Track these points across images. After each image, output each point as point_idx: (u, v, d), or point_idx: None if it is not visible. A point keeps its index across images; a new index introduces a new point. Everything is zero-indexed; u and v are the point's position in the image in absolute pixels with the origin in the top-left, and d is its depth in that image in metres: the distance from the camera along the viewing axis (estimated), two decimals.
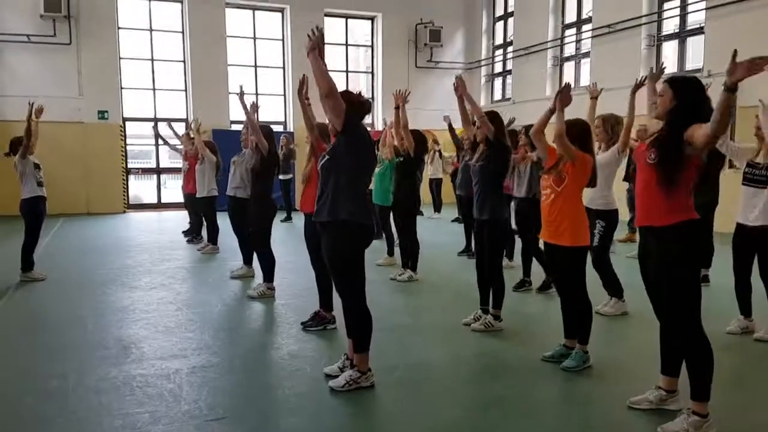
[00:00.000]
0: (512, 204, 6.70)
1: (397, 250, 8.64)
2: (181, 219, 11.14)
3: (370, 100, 4.05)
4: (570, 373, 4.26)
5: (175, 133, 11.00)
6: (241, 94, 6.88)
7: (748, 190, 4.94)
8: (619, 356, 4.68)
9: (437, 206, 13.82)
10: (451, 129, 9.01)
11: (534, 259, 6.74)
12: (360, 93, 4.10)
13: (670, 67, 12.29)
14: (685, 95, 3.23)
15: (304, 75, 4.94)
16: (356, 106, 3.93)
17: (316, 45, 3.80)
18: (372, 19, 17.40)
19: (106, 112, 14.72)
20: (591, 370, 4.32)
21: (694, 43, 11.85)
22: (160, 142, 12.47)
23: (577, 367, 4.29)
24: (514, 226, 6.59)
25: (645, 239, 3.47)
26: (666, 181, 3.22)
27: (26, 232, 7.21)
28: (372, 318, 4.01)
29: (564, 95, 4.10)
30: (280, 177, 12.52)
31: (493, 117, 5.22)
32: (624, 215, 9.36)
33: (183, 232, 10.91)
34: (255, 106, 6.68)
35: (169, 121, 11.55)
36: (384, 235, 8.44)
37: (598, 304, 5.39)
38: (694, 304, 3.28)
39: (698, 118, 3.13)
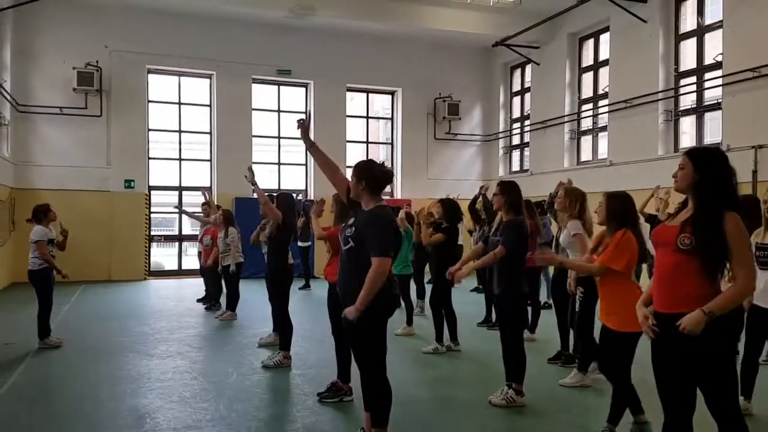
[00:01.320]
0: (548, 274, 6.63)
1: (418, 319, 8.52)
2: (201, 286, 11.13)
3: (392, 170, 4.05)
4: None
5: (188, 215, 11.34)
6: (251, 175, 6.85)
7: (764, 273, 4.73)
8: None
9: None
10: (484, 198, 8.62)
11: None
12: (383, 163, 4.11)
13: (689, 141, 12.33)
14: (710, 168, 3.06)
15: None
16: (378, 176, 3.92)
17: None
18: (392, 93, 17.81)
19: (133, 181, 15.01)
20: None
21: (712, 118, 11.90)
22: (188, 214, 12.77)
23: None
24: (546, 298, 6.49)
25: (667, 327, 3.08)
26: (706, 273, 2.99)
27: (39, 301, 7.18)
28: (391, 392, 3.88)
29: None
30: (299, 244, 12.58)
31: (510, 187, 5.22)
32: None
33: (198, 299, 10.91)
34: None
35: (181, 208, 11.95)
36: (404, 304, 8.32)
37: None
38: (733, 388, 3.06)
39: (724, 191, 3.00)
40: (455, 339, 7.23)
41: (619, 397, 4.20)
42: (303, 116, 6.89)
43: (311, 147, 4.47)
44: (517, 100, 17.79)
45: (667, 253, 3.09)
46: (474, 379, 6.00)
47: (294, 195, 7.16)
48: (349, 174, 4.12)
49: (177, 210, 13.60)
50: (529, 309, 7.03)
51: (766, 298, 4.76)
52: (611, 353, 4.15)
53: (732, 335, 3.06)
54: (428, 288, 7.84)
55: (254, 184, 6.69)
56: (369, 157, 17.92)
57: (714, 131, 11.72)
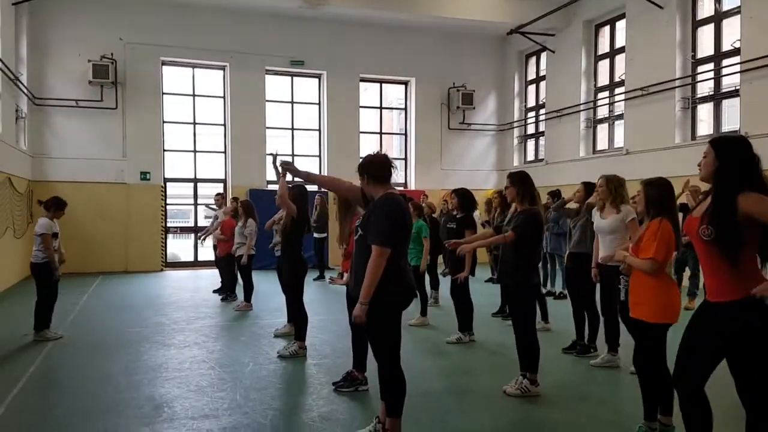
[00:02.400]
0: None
1: (432, 310, 8.54)
2: (217, 277, 11.23)
3: (386, 155, 4.08)
4: None
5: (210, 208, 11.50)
6: (275, 159, 6.95)
7: None
8: None
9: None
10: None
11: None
12: (377, 152, 4.08)
13: (706, 129, 12.20)
14: (729, 155, 3.07)
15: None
16: (376, 165, 3.94)
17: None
18: (405, 83, 17.76)
19: (149, 173, 15.12)
20: None
21: (730, 105, 11.75)
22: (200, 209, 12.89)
23: None
24: (552, 287, 6.46)
25: (708, 315, 3.17)
26: (728, 261, 3.00)
27: (38, 293, 7.21)
28: (405, 382, 3.91)
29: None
30: (315, 235, 12.63)
31: (521, 178, 5.21)
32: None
33: (214, 290, 11.02)
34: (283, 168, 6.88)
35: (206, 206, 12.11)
36: (418, 295, 8.33)
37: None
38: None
39: (747, 179, 2.99)
40: (470, 330, 7.22)
41: (652, 390, 4.05)
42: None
43: (308, 179, 4.65)
44: (532, 88, 17.68)
45: (697, 244, 3.15)
46: (488, 369, 6.01)
47: (307, 187, 7.14)
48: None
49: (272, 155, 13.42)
50: None
51: None
52: (644, 346, 4.05)
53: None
54: (442, 279, 7.84)
55: (279, 172, 6.70)
56: (381, 149, 18.01)
57: (732, 119, 11.57)
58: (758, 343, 2.99)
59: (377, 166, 3.94)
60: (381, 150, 4.26)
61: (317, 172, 16.83)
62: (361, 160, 4.07)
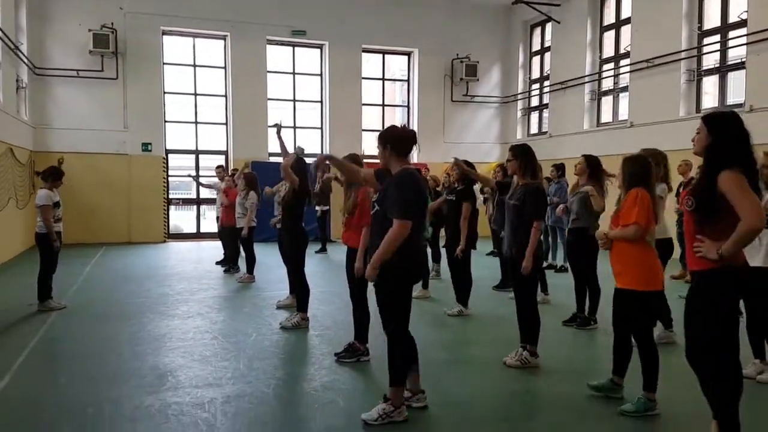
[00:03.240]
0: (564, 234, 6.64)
1: (434, 283, 8.59)
2: (220, 249, 11.29)
3: (413, 131, 4.15)
4: (613, 413, 4.11)
5: (201, 185, 11.44)
6: (279, 130, 7.03)
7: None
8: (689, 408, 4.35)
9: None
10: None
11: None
12: (404, 126, 4.16)
13: (711, 102, 12.11)
14: (721, 131, 3.17)
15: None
16: (401, 137, 3.98)
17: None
18: (408, 54, 17.60)
19: (150, 144, 15.10)
20: (649, 420, 4.03)
21: (736, 78, 11.65)
22: (203, 185, 12.77)
23: (636, 413, 4.05)
24: (553, 260, 6.48)
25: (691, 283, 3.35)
26: (700, 230, 3.17)
27: (41, 263, 7.24)
28: (416, 350, 4.03)
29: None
30: (317, 208, 12.64)
31: (523, 151, 5.22)
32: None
33: (217, 262, 11.08)
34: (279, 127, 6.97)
35: (196, 178, 12.02)
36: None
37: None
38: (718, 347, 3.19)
39: (737, 156, 3.08)
40: (466, 304, 7.25)
41: (649, 363, 4.11)
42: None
43: (332, 161, 4.65)
44: (536, 60, 17.52)
45: (685, 213, 3.30)
46: (489, 341, 6.07)
47: (302, 150, 7.14)
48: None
49: (192, 177, 13.76)
50: None
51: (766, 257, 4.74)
52: (628, 315, 4.14)
53: (721, 312, 3.17)
54: (443, 252, 7.86)
55: (283, 142, 6.77)
56: (384, 120, 17.85)
57: (737, 91, 11.49)
58: (702, 312, 3.18)
59: (404, 141, 3.98)
60: (407, 124, 4.32)
61: (319, 144, 16.84)
62: (383, 130, 4.10)
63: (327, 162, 4.94)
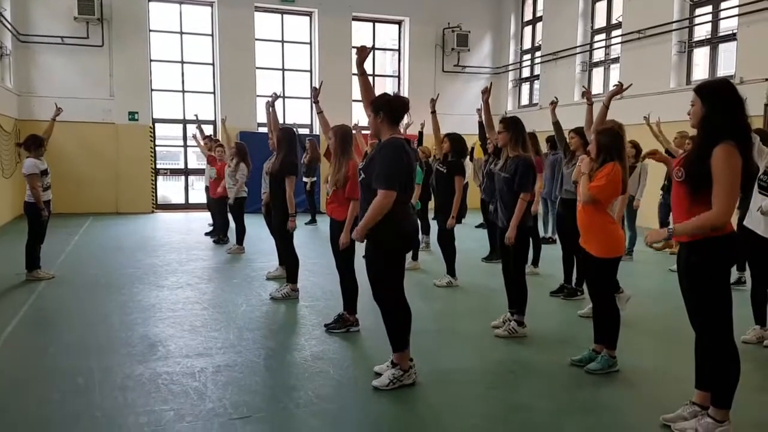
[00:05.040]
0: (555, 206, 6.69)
1: (423, 254, 8.64)
2: (208, 220, 11.27)
3: (407, 98, 4.17)
4: (595, 379, 4.22)
5: (203, 134, 11.23)
6: (274, 100, 7.00)
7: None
8: (651, 365, 4.62)
9: None
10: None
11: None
12: (396, 93, 4.15)
13: (702, 74, 12.10)
14: (716, 101, 3.13)
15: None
16: (394, 104, 3.96)
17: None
18: (399, 23, 17.42)
19: (137, 113, 14.94)
20: (618, 375, 4.30)
21: (726, 50, 11.64)
22: (197, 137, 12.06)
23: (601, 370, 4.30)
24: (545, 232, 6.52)
25: (679, 253, 3.41)
26: (691, 200, 3.17)
27: (29, 232, 7.21)
28: (410, 313, 4.09)
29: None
30: (304, 179, 12.61)
31: (515, 123, 5.25)
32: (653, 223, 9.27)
33: (206, 233, 11.07)
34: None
35: (199, 122, 11.86)
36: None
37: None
38: (721, 316, 3.23)
39: (731, 126, 3.06)
40: (454, 274, 7.33)
41: (611, 321, 4.38)
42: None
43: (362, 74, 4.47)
44: (528, 30, 17.38)
45: (674, 183, 3.32)
46: (477, 312, 6.14)
47: (295, 129, 7.11)
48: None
49: (196, 116, 12.62)
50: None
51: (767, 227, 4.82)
52: (596, 278, 4.41)
53: (721, 279, 3.22)
54: (433, 224, 7.90)
55: (273, 114, 6.73)
56: (375, 90, 17.71)
57: (728, 63, 11.49)
58: (704, 279, 3.22)
59: (397, 108, 3.98)
60: (399, 92, 4.32)
61: (309, 115, 16.71)
62: (375, 97, 4.09)
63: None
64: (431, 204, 8.52)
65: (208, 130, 14.86)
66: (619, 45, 13.64)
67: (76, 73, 14.35)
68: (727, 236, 3.16)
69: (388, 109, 3.94)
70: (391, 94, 4.15)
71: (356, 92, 16.46)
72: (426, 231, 9.72)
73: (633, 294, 5.75)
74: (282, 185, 6.43)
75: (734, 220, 5.77)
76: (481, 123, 8.30)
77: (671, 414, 3.50)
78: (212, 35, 15.73)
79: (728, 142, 3.03)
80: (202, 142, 11.17)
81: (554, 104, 6.72)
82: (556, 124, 6.67)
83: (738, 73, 10.69)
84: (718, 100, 3.12)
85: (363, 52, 4.32)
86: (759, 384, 4.24)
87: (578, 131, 6.32)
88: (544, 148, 9.15)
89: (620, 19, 13.70)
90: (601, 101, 5.67)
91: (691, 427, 3.32)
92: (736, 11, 10.98)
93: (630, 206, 8.50)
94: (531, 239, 6.89)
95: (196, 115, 12.33)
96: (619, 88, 5.07)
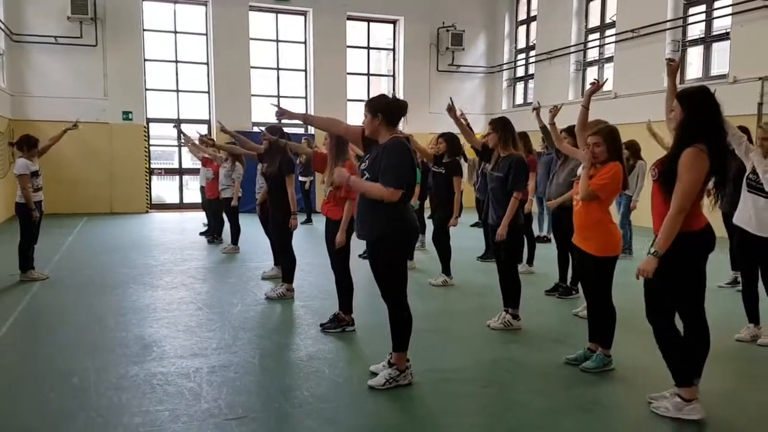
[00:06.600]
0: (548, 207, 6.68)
1: (419, 254, 8.64)
2: (203, 220, 11.24)
3: (405, 101, 4.16)
4: (590, 378, 4.23)
5: (185, 137, 11.04)
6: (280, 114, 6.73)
7: (756, 198, 4.91)
8: (646, 363, 4.58)
9: None
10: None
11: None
12: (394, 95, 4.15)
13: (695, 73, 12.15)
14: (692, 107, 3.36)
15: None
16: (393, 107, 3.96)
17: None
18: (394, 22, 17.41)
19: (131, 113, 14.90)
20: (613, 374, 4.32)
21: (720, 49, 11.68)
22: (182, 140, 12.04)
23: (597, 369, 4.31)
24: (540, 231, 6.53)
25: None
26: (663, 197, 3.39)
27: (21, 233, 7.17)
28: (412, 318, 4.08)
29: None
30: (300, 179, 12.59)
31: (504, 124, 5.30)
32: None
33: (201, 233, 11.05)
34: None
35: (178, 123, 11.63)
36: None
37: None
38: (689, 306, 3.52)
39: (703, 130, 3.29)
40: (449, 274, 7.33)
41: (607, 321, 4.39)
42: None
43: (306, 121, 4.73)
44: (522, 29, 17.42)
45: (653, 184, 3.54)
46: (473, 311, 6.14)
47: (282, 128, 6.96)
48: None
49: (176, 127, 12.60)
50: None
51: (758, 224, 4.85)
52: (593, 278, 4.41)
53: (688, 274, 3.46)
54: (429, 223, 7.91)
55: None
56: (370, 90, 17.68)
57: (722, 62, 11.53)
58: (680, 272, 3.42)
59: (396, 111, 3.97)
60: (394, 93, 4.32)
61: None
62: (372, 98, 4.08)
63: (280, 114, 4.79)
64: (426, 203, 8.53)
65: (203, 129, 14.83)
66: (613, 44, 13.68)
67: (69, 72, 14.30)
68: (699, 232, 3.40)
69: (387, 111, 3.93)
70: (388, 94, 4.13)
71: (351, 92, 16.52)
72: (421, 230, 9.73)
73: (629, 292, 5.70)
74: (281, 185, 6.41)
75: (718, 217, 5.84)
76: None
77: (657, 394, 3.75)
78: (206, 34, 15.70)
79: (698, 145, 3.26)
80: (197, 142, 11.03)
81: (537, 109, 6.59)
82: (544, 129, 6.55)
83: (731, 72, 10.73)
84: (694, 104, 3.37)
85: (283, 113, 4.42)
86: (753, 383, 4.25)
87: (570, 131, 6.22)
88: (537, 147, 9.14)
89: (614, 19, 13.74)
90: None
91: (664, 405, 3.57)
92: (729, 10, 11.02)
93: (626, 205, 8.54)
94: (525, 237, 6.93)
95: (176, 126, 11.87)
96: (596, 86, 5.00)
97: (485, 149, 5.88)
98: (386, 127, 3.94)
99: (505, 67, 17.68)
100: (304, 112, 4.42)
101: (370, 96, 4.29)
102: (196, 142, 10.87)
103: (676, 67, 4.27)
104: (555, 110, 5.88)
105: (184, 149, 11.89)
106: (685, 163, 3.27)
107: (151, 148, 15.65)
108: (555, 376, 4.31)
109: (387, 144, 3.91)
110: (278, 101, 6.79)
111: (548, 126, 5.98)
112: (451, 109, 6.06)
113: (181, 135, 10.75)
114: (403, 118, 4.07)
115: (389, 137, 3.93)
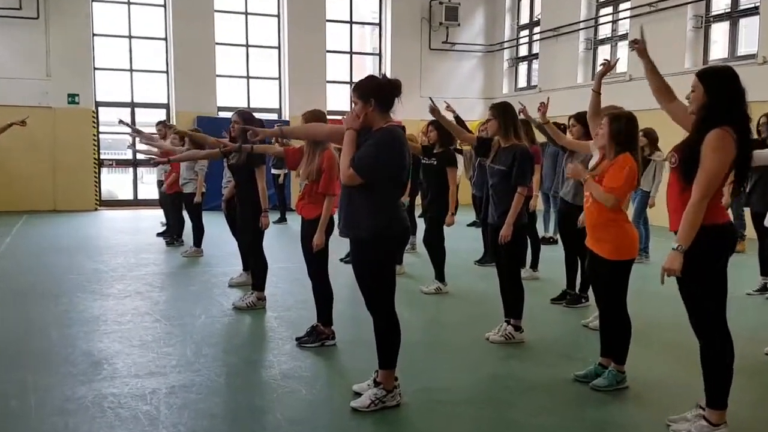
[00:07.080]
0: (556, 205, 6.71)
1: (409, 257, 8.66)
2: (161, 218, 11.19)
3: (398, 80, 4.10)
4: (602, 397, 4.25)
5: (134, 129, 10.94)
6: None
7: None
8: (664, 380, 4.64)
9: None
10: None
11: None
12: (385, 75, 4.11)
13: (720, 52, 12.25)
14: (718, 89, 3.36)
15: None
16: (385, 89, 3.93)
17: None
18: None
19: (77, 95, 14.79)
20: (627, 392, 4.33)
21: (747, 25, 11.79)
22: (132, 135, 11.77)
23: (609, 387, 4.32)
24: (546, 232, 6.56)
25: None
26: (683, 186, 3.39)
27: None
28: (400, 332, 4.08)
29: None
30: (273, 172, 12.56)
31: (505, 109, 5.29)
32: None
33: (158, 234, 11.00)
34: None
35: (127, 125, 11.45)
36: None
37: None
38: (714, 308, 3.45)
39: (731, 115, 3.29)
40: (443, 280, 7.34)
41: (621, 333, 4.39)
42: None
43: (282, 135, 4.89)
44: (525, 3, 17.48)
45: (670, 171, 3.54)
46: (469, 321, 6.16)
47: (252, 113, 6.88)
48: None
49: (123, 123, 12.41)
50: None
51: None
52: (607, 283, 4.41)
53: (712, 270, 3.43)
54: (420, 222, 7.93)
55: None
56: (353, 70, 17.64)
57: (749, 40, 11.64)
58: (702, 268, 3.39)
59: (389, 93, 3.92)
60: (383, 73, 4.28)
61: (277, 98, 16.66)
62: (360, 81, 4.01)
63: (279, 135, 4.84)
64: (417, 200, 8.53)
65: (161, 115, 14.76)
66: (628, 20, 13.77)
67: (6, 48, 14.19)
68: (722, 226, 3.41)
69: (380, 95, 3.88)
70: (377, 75, 4.09)
71: (331, 72, 16.51)
72: (412, 230, 9.74)
73: (646, 300, 5.78)
74: (250, 177, 6.36)
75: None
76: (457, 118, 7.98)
77: (677, 416, 3.75)
78: (165, 6, 15.62)
79: (724, 127, 3.26)
80: (154, 135, 10.86)
81: (523, 110, 6.54)
82: (540, 127, 6.50)
83: (761, 51, 10.84)
84: (722, 89, 3.37)
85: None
86: None
87: (580, 118, 6.14)
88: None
89: None
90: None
91: (686, 429, 3.56)
92: None
93: (641, 201, 8.59)
94: (529, 239, 6.94)
95: (122, 122, 11.56)
96: (608, 67, 5.02)
97: (481, 143, 5.80)
98: (380, 114, 3.91)
99: (506, 45, 17.74)
100: (278, 125, 4.33)
101: (354, 78, 4.26)
102: (153, 135, 10.71)
103: (642, 48, 4.20)
104: (544, 107, 5.89)
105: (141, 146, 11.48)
106: (711, 144, 3.26)
107: (101, 136, 15.55)
108: (561, 395, 4.34)
109: (378, 133, 3.87)
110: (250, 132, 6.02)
111: (543, 125, 6.03)
112: (434, 110, 5.74)
113: (130, 129, 10.51)
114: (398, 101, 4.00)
115: (385, 125, 3.90)
